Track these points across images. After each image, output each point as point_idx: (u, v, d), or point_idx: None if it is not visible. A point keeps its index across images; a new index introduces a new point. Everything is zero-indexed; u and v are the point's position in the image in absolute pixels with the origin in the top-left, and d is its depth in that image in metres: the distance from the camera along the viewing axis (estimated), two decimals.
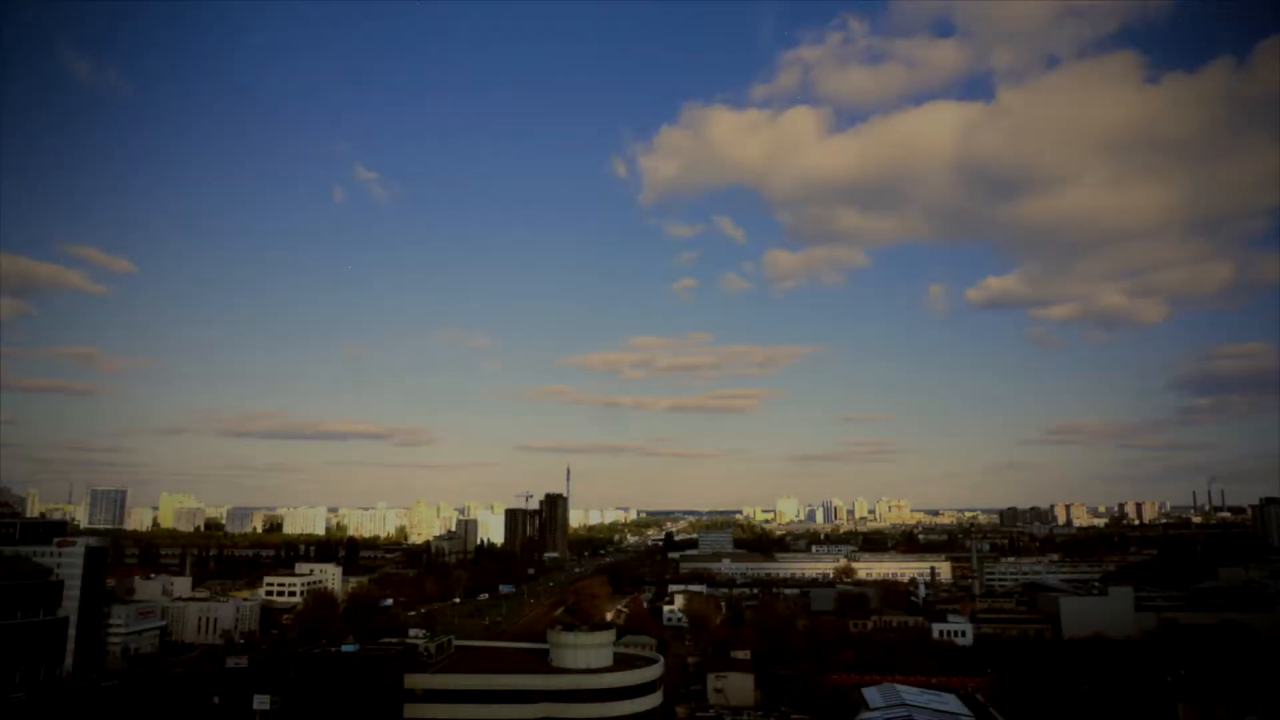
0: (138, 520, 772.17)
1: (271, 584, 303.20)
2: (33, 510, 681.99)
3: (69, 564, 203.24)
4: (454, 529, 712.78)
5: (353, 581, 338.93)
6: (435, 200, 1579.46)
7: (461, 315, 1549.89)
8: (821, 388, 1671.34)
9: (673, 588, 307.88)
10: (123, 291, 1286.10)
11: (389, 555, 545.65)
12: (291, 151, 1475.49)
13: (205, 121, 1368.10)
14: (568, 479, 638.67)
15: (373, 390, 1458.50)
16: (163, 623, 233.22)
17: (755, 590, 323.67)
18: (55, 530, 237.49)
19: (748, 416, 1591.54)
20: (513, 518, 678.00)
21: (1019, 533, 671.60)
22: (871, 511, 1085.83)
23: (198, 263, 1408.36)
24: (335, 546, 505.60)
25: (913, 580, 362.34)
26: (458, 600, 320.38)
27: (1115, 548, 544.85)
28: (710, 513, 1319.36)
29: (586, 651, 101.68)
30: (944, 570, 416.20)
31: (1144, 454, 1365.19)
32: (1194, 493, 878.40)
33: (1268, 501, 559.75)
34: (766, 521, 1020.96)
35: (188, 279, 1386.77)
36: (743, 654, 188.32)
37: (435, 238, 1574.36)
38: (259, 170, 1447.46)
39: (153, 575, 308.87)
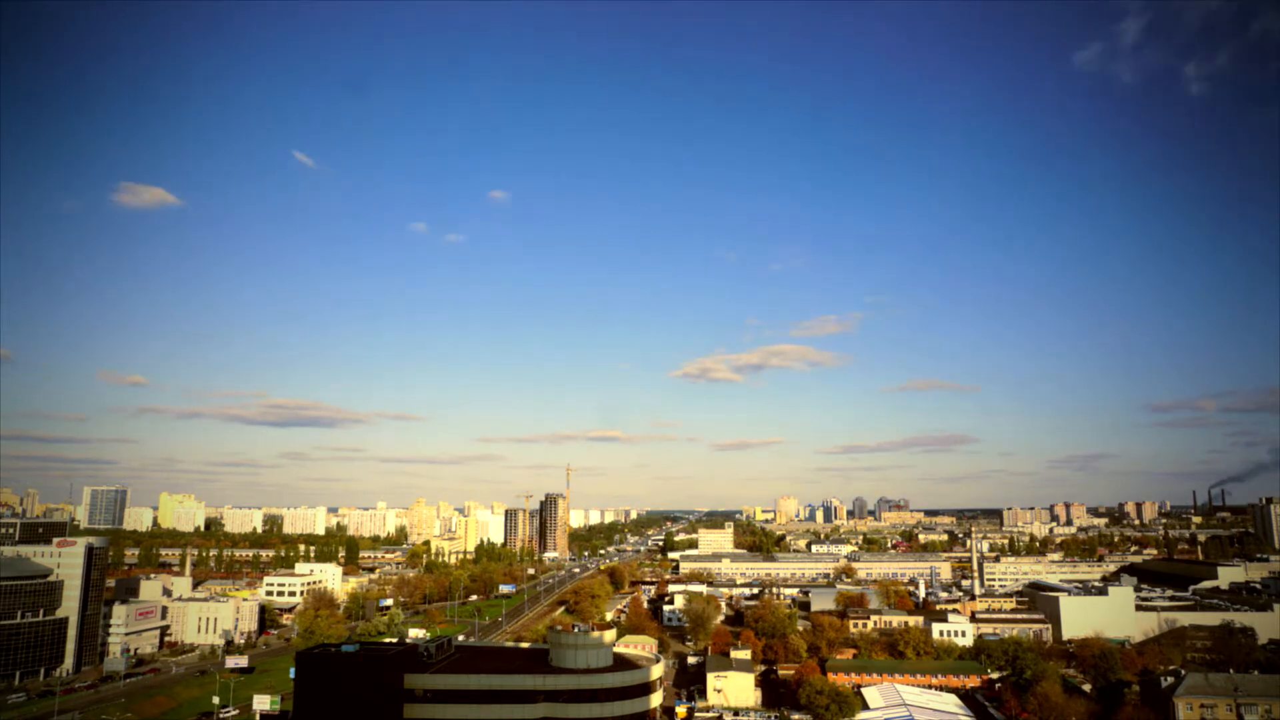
0: (137, 520, 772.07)
1: (271, 584, 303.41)
2: (33, 510, 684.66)
3: (69, 564, 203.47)
4: (454, 529, 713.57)
5: (353, 581, 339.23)
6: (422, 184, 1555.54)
7: (463, 294, 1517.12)
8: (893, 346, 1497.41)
9: (673, 588, 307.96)
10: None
11: (389, 555, 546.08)
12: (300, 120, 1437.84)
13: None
14: (568, 479, 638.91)
15: (368, 375, 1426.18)
16: (163, 623, 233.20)
17: (755, 590, 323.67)
18: (55, 530, 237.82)
19: (814, 374, 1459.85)
20: (512, 517, 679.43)
21: (1019, 532, 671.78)
22: (871, 512, 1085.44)
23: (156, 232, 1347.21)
24: (335, 546, 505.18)
25: (913, 580, 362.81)
26: (458, 600, 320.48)
27: (1115, 548, 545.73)
28: (710, 513, 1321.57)
29: (586, 651, 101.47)
30: (944, 570, 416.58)
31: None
32: (1194, 492, 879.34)
33: (1268, 501, 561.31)
34: (766, 521, 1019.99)
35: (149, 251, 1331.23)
36: (743, 654, 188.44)
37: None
38: (251, 148, 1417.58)
39: (153, 575, 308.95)
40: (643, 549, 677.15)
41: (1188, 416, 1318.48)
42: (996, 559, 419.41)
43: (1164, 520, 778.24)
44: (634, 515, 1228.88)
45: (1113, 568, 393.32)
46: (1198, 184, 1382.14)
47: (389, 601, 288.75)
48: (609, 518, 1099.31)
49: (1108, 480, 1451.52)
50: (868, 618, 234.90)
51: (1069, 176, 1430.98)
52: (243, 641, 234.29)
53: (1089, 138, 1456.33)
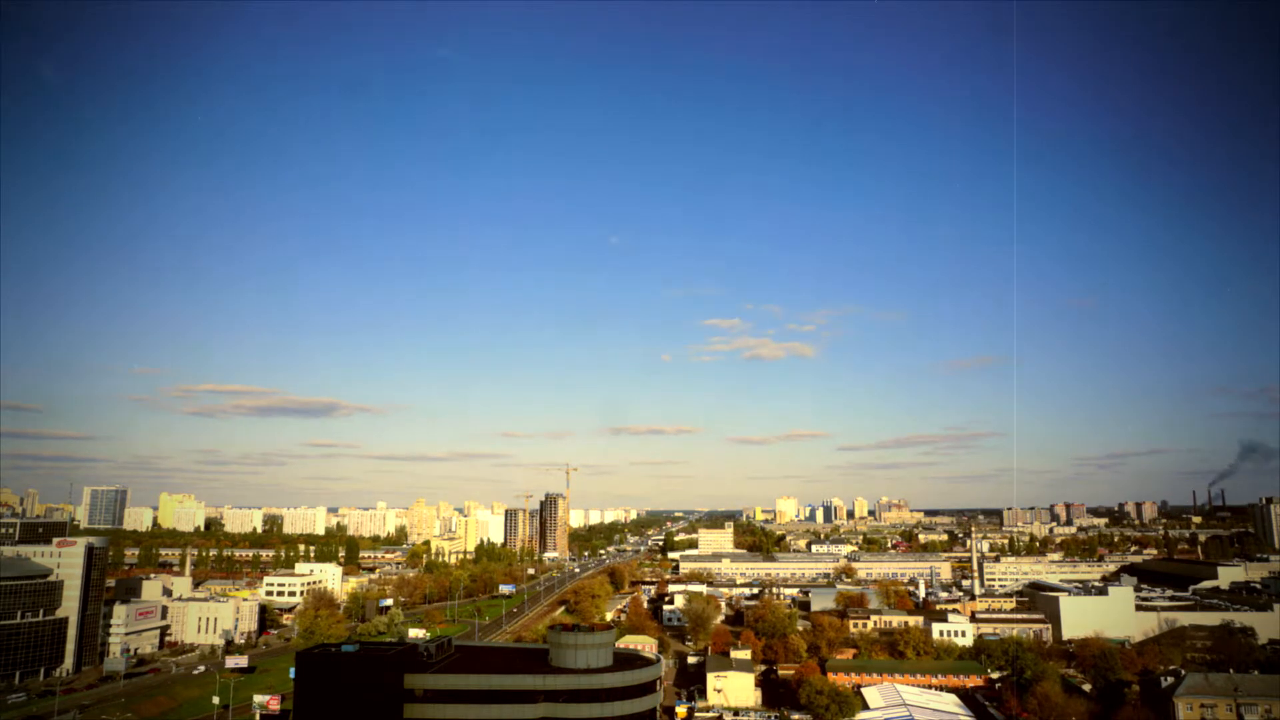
0: (137, 520, 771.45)
1: (271, 584, 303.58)
2: (33, 510, 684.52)
3: (69, 564, 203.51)
4: (454, 529, 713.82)
5: (353, 581, 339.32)
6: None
7: (459, 286, 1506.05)
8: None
9: (673, 588, 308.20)
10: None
11: (389, 555, 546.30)
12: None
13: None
14: (568, 479, 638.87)
15: (367, 372, 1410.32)
16: (163, 623, 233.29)
17: (755, 590, 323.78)
18: (55, 530, 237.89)
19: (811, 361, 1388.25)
20: (512, 517, 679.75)
21: (1019, 532, 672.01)
22: (872, 512, 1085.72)
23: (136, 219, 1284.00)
24: (335, 546, 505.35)
25: (913, 580, 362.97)
26: (458, 600, 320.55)
27: (1115, 548, 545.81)
28: (710, 513, 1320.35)
29: (586, 651, 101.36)
30: (944, 570, 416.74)
31: None
32: (1194, 492, 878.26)
33: (1268, 501, 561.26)
34: (766, 522, 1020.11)
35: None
36: (743, 654, 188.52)
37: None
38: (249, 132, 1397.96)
39: (153, 575, 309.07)
40: (643, 549, 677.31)
41: (1242, 407, 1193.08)
42: (996, 559, 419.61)
43: (1164, 520, 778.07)
44: (634, 515, 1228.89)
45: (1113, 568, 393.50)
46: (1201, 181, 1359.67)
47: (389, 601, 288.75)
48: (609, 517, 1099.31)
49: (1126, 479, 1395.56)
50: (868, 618, 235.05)
51: (1076, 174, 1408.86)
52: (243, 641, 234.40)
53: (1090, 133, 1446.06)
